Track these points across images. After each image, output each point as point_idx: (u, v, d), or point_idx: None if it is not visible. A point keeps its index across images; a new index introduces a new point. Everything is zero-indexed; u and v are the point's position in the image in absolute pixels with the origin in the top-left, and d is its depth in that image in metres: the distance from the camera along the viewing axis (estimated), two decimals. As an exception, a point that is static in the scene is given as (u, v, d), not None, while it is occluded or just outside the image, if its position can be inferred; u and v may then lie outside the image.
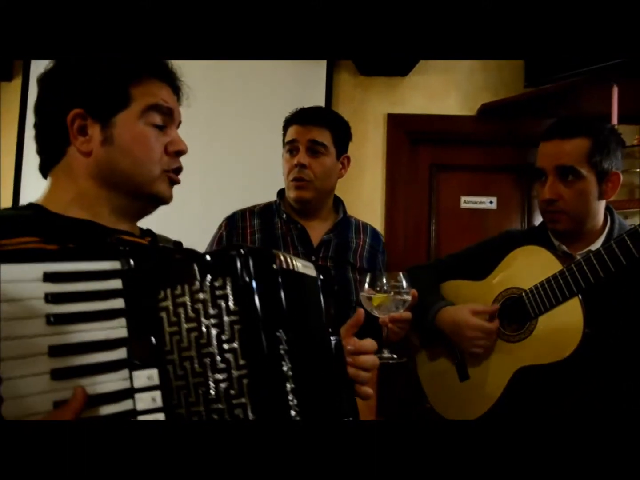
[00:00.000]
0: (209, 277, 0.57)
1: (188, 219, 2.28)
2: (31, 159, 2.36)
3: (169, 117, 0.85)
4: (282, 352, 0.60)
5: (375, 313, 1.13)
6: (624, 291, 1.21)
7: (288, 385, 0.59)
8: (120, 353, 0.56)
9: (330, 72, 2.46)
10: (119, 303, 0.58)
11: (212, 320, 0.57)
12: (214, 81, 2.47)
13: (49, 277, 0.54)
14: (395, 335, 1.26)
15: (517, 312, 1.33)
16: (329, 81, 2.46)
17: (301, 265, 0.74)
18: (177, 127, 0.89)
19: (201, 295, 0.57)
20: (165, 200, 0.85)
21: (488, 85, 2.52)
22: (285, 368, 0.60)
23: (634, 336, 1.22)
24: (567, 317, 1.22)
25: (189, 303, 0.57)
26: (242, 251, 0.59)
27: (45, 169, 0.83)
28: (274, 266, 0.65)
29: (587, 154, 1.25)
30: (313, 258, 1.48)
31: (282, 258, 0.68)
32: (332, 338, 0.80)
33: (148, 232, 0.89)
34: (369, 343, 0.91)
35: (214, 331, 0.56)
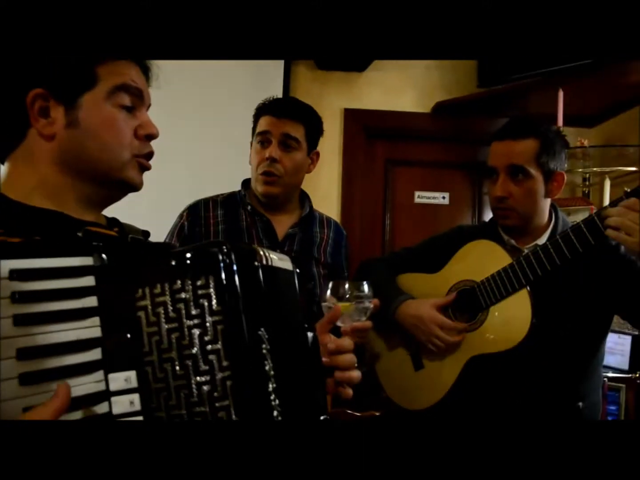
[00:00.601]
0: (190, 275, 0.55)
1: (138, 217, 2.20)
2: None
3: (139, 99, 0.79)
4: (264, 351, 0.58)
5: (337, 322, 1.13)
6: (569, 283, 1.29)
7: (270, 385, 0.58)
8: (95, 354, 0.54)
9: (288, 65, 2.45)
10: (91, 301, 0.54)
11: (195, 321, 0.54)
12: (169, 73, 2.39)
13: (16, 275, 0.50)
14: (359, 342, 1.23)
15: (470, 303, 1.38)
16: (287, 74, 2.44)
17: (277, 259, 0.72)
18: (147, 109, 0.83)
19: (183, 295, 0.54)
20: (135, 186, 0.79)
21: (443, 83, 2.57)
22: (267, 367, 0.58)
23: (579, 326, 1.30)
24: (516, 308, 1.28)
25: (169, 302, 0.54)
26: (224, 248, 0.56)
27: (3, 154, 0.76)
28: (256, 263, 0.63)
29: (535, 155, 1.31)
30: (278, 252, 1.46)
31: (261, 254, 0.66)
32: (308, 334, 0.78)
33: (114, 222, 0.84)
34: (347, 342, 0.90)
35: (196, 332, 0.54)
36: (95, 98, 0.74)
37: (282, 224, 1.50)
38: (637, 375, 1.89)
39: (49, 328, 0.52)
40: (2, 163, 0.76)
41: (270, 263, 0.68)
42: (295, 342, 0.75)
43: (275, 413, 0.58)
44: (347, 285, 1.13)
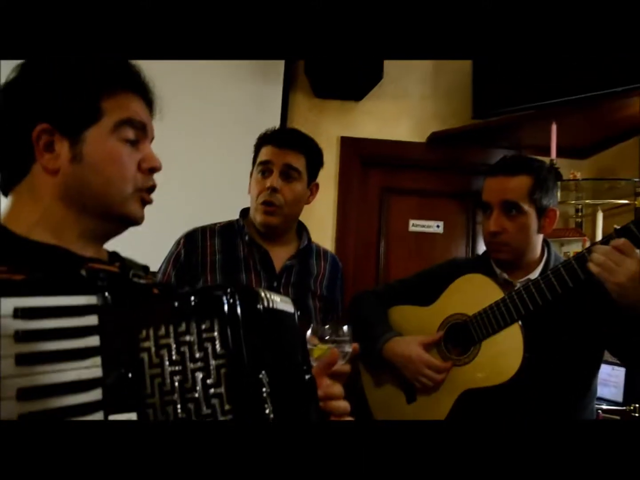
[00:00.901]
0: (195, 318, 0.55)
1: (137, 242, 2.18)
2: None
3: (142, 132, 0.79)
4: (264, 395, 0.58)
5: (314, 365, 1.11)
6: (561, 318, 1.29)
7: None
8: (95, 394, 0.53)
9: (285, 93, 2.47)
10: (94, 341, 0.54)
11: (199, 364, 0.54)
12: (168, 100, 2.42)
13: (19, 313, 0.50)
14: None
15: (462, 337, 1.38)
16: (285, 102, 2.47)
17: (279, 301, 0.72)
18: (151, 142, 0.83)
19: (188, 338, 0.54)
20: (137, 221, 0.79)
21: (438, 114, 2.61)
22: (267, 411, 0.58)
23: (570, 361, 1.30)
24: (508, 342, 1.28)
25: (173, 345, 0.54)
26: (228, 291, 0.57)
27: (6, 187, 0.76)
28: (258, 306, 0.63)
29: (529, 191, 1.33)
30: (275, 283, 1.44)
31: (264, 296, 0.66)
32: (306, 376, 0.78)
33: (116, 256, 0.83)
34: (338, 389, 0.89)
35: (199, 375, 0.54)
36: (100, 132, 0.74)
37: (280, 255, 1.48)
38: (632, 407, 1.89)
39: (50, 367, 0.51)
40: (6, 196, 0.76)
41: (272, 305, 0.68)
42: (294, 385, 0.74)
43: None
44: (327, 328, 1.11)
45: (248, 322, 0.58)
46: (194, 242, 1.46)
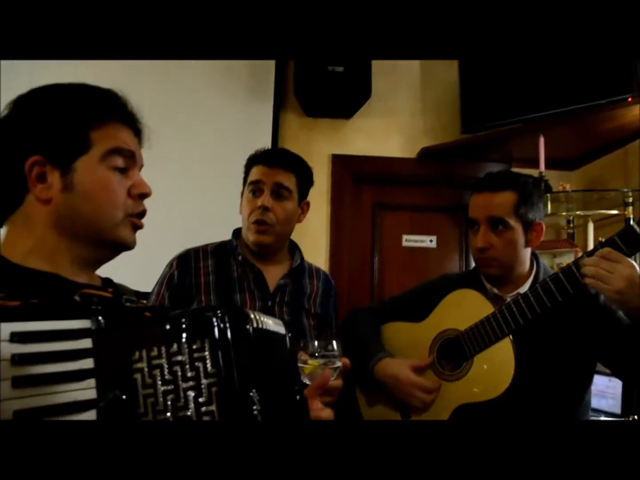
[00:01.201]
0: (186, 339, 0.57)
1: (128, 259, 2.19)
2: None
3: (131, 160, 0.82)
4: (255, 412, 0.60)
5: (306, 381, 1.11)
6: (551, 332, 1.30)
7: None
8: (90, 415, 0.54)
9: (276, 111, 2.51)
10: (88, 363, 0.55)
11: (190, 383, 0.56)
12: (159, 119, 2.43)
13: (16, 338, 0.52)
14: (326, 402, 1.23)
15: (455, 353, 1.39)
16: (275, 121, 2.50)
17: (272, 323, 0.74)
18: (140, 169, 0.86)
19: (179, 357, 0.56)
20: (128, 246, 0.81)
21: (427, 129, 2.65)
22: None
23: (561, 374, 1.31)
24: (500, 357, 1.29)
25: (165, 365, 0.56)
26: (218, 313, 0.59)
27: (2, 218, 0.78)
28: (248, 326, 0.65)
29: (514, 206, 1.35)
30: (269, 303, 1.44)
31: (253, 317, 0.67)
32: (297, 396, 0.80)
33: (109, 282, 0.85)
34: (327, 413, 0.91)
35: (191, 394, 0.55)
36: (89, 162, 0.76)
37: (273, 275, 1.48)
38: (630, 419, 1.89)
39: (46, 390, 0.53)
40: (1, 226, 0.78)
41: (262, 326, 0.70)
42: (285, 404, 0.76)
43: None
44: (316, 344, 1.12)
45: (238, 342, 0.60)
46: (187, 263, 1.46)
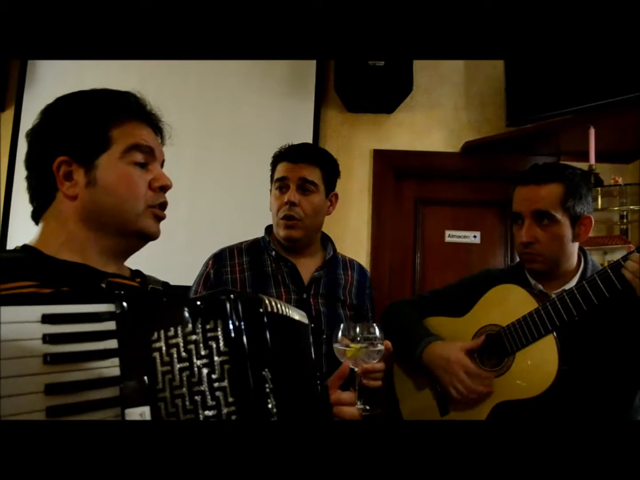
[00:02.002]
0: (200, 320, 0.60)
1: (174, 254, 2.27)
2: (21, 190, 2.36)
3: (150, 155, 0.87)
4: (267, 390, 0.63)
5: (350, 364, 1.12)
6: (598, 329, 1.26)
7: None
8: (114, 391, 0.58)
9: (317, 107, 2.52)
10: (112, 343, 0.60)
11: (204, 360, 0.59)
12: (202, 117, 2.51)
13: (47, 319, 0.57)
14: (372, 384, 1.24)
15: (496, 349, 1.36)
16: (317, 117, 2.51)
17: (293, 312, 0.77)
18: (162, 165, 0.91)
19: (194, 337, 0.60)
20: (152, 235, 0.87)
21: (471, 123, 2.60)
22: (270, 405, 0.63)
23: (609, 374, 1.26)
24: (543, 354, 1.26)
25: (181, 344, 0.59)
26: (231, 296, 0.62)
27: (37, 216, 0.85)
28: (261, 310, 0.68)
29: (560, 199, 1.31)
30: (304, 295, 1.47)
31: (268, 302, 0.71)
32: (318, 382, 0.83)
33: (137, 273, 0.91)
34: (347, 395, 0.94)
35: (205, 370, 0.59)
36: (111, 158, 0.82)
37: (307, 268, 1.52)
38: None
39: (74, 367, 0.57)
40: (37, 224, 0.85)
41: (277, 311, 0.74)
42: (303, 387, 0.79)
43: None
44: (358, 328, 1.14)
45: (250, 323, 0.63)
46: (222, 261, 1.51)
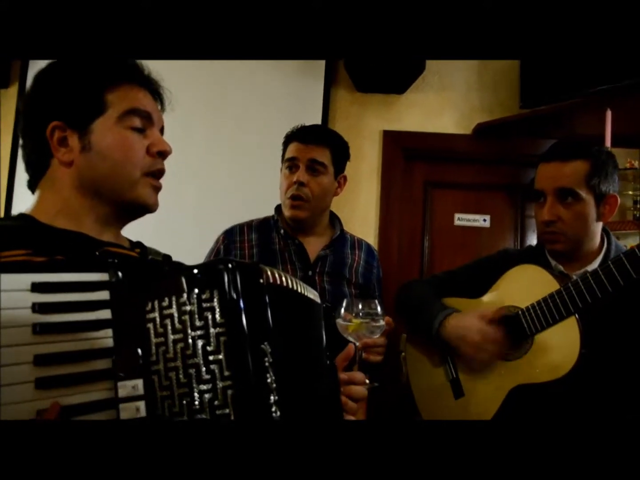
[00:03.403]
0: (196, 289, 0.58)
1: (182, 232, 2.29)
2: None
3: (148, 121, 0.84)
4: (266, 364, 0.60)
5: (351, 339, 1.15)
6: (621, 312, 1.21)
7: (272, 397, 0.60)
8: (106, 363, 0.56)
9: (327, 87, 2.48)
10: (105, 314, 0.57)
11: (199, 332, 0.57)
12: (212, 97, 2.48)
13: (36, 287, 0.54)
14: (372, 359, 1.28)
15: (513, 331, 1.32)
16: (326, 97, 2.47)
17: (302, 288, 0.76)
18: (161, 132, 0.88)
19: (188, 307, 0.57)
20: (149, 207, 0.84)
21: (483, 105, 2.54)
22: (269, 380, 0.60)
23: (631, 357, 1.22)
24: (564, 337, 1.22)
25: (175, 314, 0.57)
26: (229, 265, 0.59)
27: (33, 185, 0.83)
28: (261, 280, 0.65)
29: (585, 177, 1.26)
30: (310, 273, 1.50)
31: (270, 273, 0.68)
32: (328, 362, 0.81)
33: (138, 245, 0.89)
34: (360, 375, 0.93)
35: (199, 342, 0.56)
36: (106, 123, 0.79)
37: (314, 246, 1.54)
38: None
39: (65, 337, 0.55)
40: (33, 192, 0.83)
41: (281, 284, 0.71)
42: (309, 364, 0.77)
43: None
44: (359, 304, 1.16)
45: (249, 294, 0.61)
46: (232, 238, 1.55)
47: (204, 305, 0.57)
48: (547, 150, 1.36)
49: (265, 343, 0.61)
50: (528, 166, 2.46)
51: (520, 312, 1.31)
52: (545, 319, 1.25)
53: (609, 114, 2.11)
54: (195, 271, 0.59)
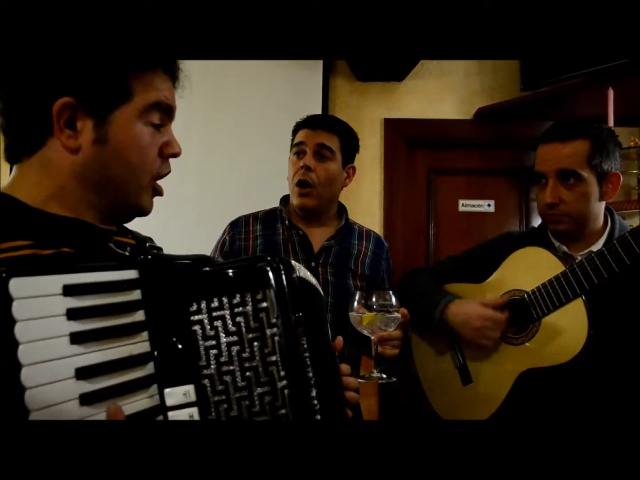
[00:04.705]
0: (249, 290, 0.57)
1: (184, 226, 2.27)
2: None
3: (167, 116, 0.75)
4: (307, 360, 0.61)
5: (366, 332, 1.12)
6: (628, 292, 1.20)
7: (313, 391, 0.61)
8: (148, 369, 0.53)
9: (326, 77, 2.45)
10: (140, 315, 0.55)
11: (255, 334, 0.56)
12: (210, 88, 2.45)
13: (69, 291, 0.50)
14: (388, 353, 1.24)
15: (520, 315, 1.31)
16: (325, 87, 2.45)
17: (305, 271, 0.75)
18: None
19: (242, 309, 0.56)
20: (146, 212, 0.76)
21: (484, 89, 2.52)
22: (310, 375, 0.61)
23: (636, 338, 1.22)
24: (571, 319, 1.21)
25: (228, 317, 0.55)
26: (274, 264, 0.59)
27: (14, 155, 0.71)
28: (294, 276, 0.65)
29: (587, 156, 1.25)
30: (313, 264, 1.48)
31: (297, 267, 0.68)
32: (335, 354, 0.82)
33: (126, 230, 0.80)
34: (353, 380, 0.89)
35: (256, 344, 0.56)
36: (128, 115, 0.70)
37: (319, 237, 1.53)
38: None
39: (102, 345, 0.51)
40: (12, 164, 0.72)
41: (302, 275, 0.71)
42: (325, 355, 0.78)
43: (318, 417, 0.60)
44: (374, 296, 1.13)
45: (291, 292, 0.60)
46: (237, 229, 1.54)
47: (259, 306, 0.56)
48: (545, 131, 1.34)
49: (304, 339, 0.61)
50: (531, 149, 2.41)
51: (526, 295, 1.30)
52: (552, 302, 1.24)
53: (610, 93, 2.10)
54: (242, 271, 0.58)
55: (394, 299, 1.15)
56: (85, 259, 0.55)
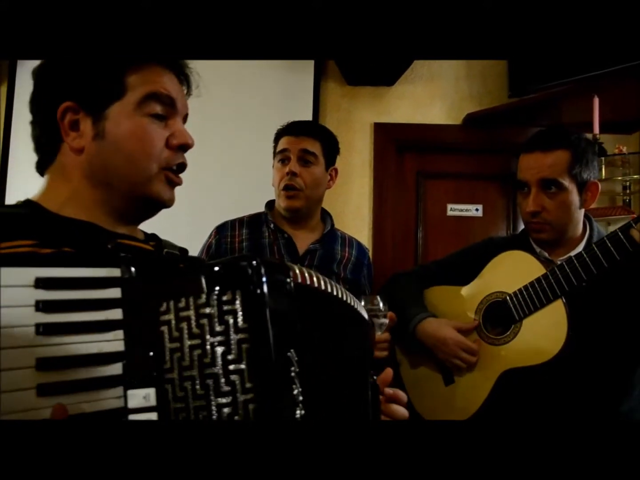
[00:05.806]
0: (216, 289, 0.52)
1: (173, 227, 2.26)
2: (17, 163, 2.33)
3: (171, 108, 0.75)
4: (292, 374, 0.55)
5: None
6: (607, 294, 1.24)
7: (298, 412, 0.55)
8: (116, 369, 0.51)
9: (317, 81, 2.46)
10: (116, 314, 0.52)
11: (218, 338, 0.51)
12: (200, 92, 2.45)
13: (41, 283, 0.49)
14: (377, 355, 1.29)
15: (502, 316, 1.35)
16: (316, 91, 2.45)
17: (343, 293, 0.70)
18: (184, 120, 0.79)
19: (207, 310, 0.51)
20: (165, 203, 0.76)
21: (472, 94, 2.54)
22: (295, 392, 0.55)
23: (618, 338, 1.24)
24: (551, 320, 1.24)
25: (193, 317, 0.51)
26: (253, 263, 0.53)
27: (41, 168, 0.75)
28: (288, 280, 0.59)
29: (567, 166, 1.28)
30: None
31: (298, 272, 0.62)
32: (369, 378, 0.75)
33: (153, 237, 0.81)
34: (403, 395, 0.84)
35: (219, 349, 0.51)
36: (123, 108, 0.71)
37: (304, 240, 1.56)
38: None
39: (70, 339, 0.50)
40: (42, 176, 0.75)
41: (312, 284, 0.65)
42: (343, 378, 0.70)
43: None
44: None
45: (275, 297, 0.55)
46: (223, 232, 1.58)
47: (225, 307, 0.51)
48: (527, 140, 1.37)
49: (292, 351, 0.55)
50: (518, 155, 2.46)
51: (507, 297, 1.33)
52: (533, 303, 1.28)
53: (596, 100, 2.12)
54: (216, 269, 0.53)
55: (381, 304, 1.16)
56: (77, 257, 0.55)
